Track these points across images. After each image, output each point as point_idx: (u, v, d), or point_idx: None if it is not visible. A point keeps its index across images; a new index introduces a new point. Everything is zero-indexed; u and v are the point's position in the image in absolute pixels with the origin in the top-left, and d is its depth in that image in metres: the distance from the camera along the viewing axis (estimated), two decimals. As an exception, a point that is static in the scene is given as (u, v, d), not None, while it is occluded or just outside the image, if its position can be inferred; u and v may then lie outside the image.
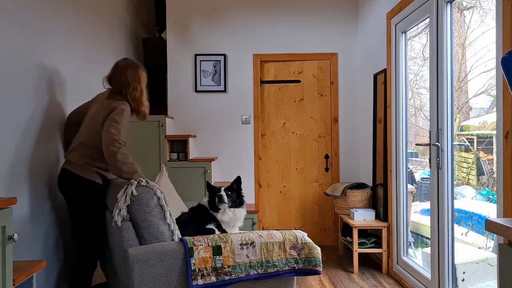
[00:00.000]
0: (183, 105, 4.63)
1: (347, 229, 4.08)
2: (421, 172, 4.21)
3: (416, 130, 4.30)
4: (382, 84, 3.88)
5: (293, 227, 4.69)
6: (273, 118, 4.75)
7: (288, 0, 4.67)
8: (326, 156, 4.73)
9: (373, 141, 4.16)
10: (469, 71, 3.52)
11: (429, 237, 3.06)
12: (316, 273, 2.37)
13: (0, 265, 1.53)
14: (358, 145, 4.68)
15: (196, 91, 4.64)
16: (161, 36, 4.95)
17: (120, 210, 2.20)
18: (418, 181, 4.15)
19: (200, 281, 2.16)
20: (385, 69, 3.79)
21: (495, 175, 3.00)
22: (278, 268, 2.30)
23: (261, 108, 4.72)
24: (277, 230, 2.49)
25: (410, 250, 3.60)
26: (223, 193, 2.78)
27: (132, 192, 2.21)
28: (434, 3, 2.92)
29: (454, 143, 2.88)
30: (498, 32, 2.20)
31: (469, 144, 3.52)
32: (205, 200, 2.99)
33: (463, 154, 3.56)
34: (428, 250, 3.18)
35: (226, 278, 2.21)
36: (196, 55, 4.62)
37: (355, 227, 3.74)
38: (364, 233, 4.04)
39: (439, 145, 2.86)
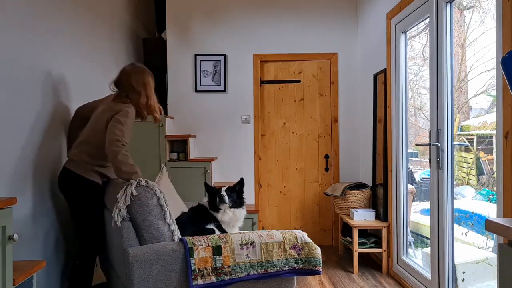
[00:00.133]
0: (183, 105, 4.63)
1: (347, 229, 4.08)
2: (421, 172, 4.21)
3: (416, 130, 4.30)
4: (382, 84, 3.88)
5: (293, 227, 4.69)
6: (273, 118, 4.75)
7: (288, 0, 4.67)
8: (326, 156, 4.73)
9: (373, 141, 4.16)
10: (469, 71, 3.52)
11: (429, 237, 3.06)
12: (316, 273, 2.37)
13: (0, 265, 1.53)
14: (358, 145, 4.68)
15: (196, 91, 4.64)
16: (161, 36, 4.95)
17: (119, 210, 2.20)
18: (418, 181, 4.16)
19: (200, 281, 2.16)
20: (385, 69, 3.79)
21: (495, 175, 3.00)
22: (278, 268, 2.30)
23: (261, 108, 4.72)
24: (277, 230, 2.49)
25: (410, 250, 3.60)
26: (224, 193, 2.79)
27: (132, 192, 2.21)
28: (434, 3, 2.92)
29: (454, 143, 2.88)
30: (498, 32, 2.20)
31: (469, 144, 3.52)
32: (205, 200, 2.99)
33: (463, 154, 3.56)
34: (428, 250, 3.18)
35: (226, 278, 2.21)
36: (196, 55, 4.62)
37: (355, 227, 3.74)
38: (364, 233, 4.04)
39: (439, 145, 2.86)
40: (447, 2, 2.82)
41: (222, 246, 2.25)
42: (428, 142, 3.01)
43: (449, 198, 2.81)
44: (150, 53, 4.79)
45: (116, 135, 2.42)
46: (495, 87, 2.31)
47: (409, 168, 3.70)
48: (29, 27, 2.42)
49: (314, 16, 4.67)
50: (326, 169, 4.73)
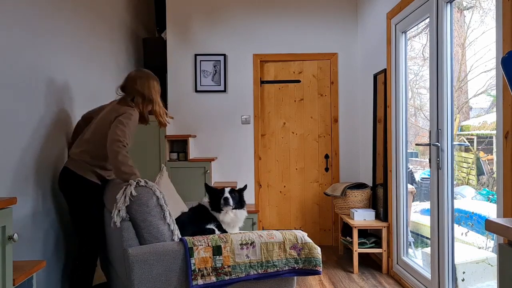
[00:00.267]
0: (183, 105, 4.63)
1: (347, 229, 4.08)
2: (421, 172, 4.21)
3: (416, 130, 4.30)
4: (382, 84, 3.88)
5: (293, 227, 4.69)
6: (273, 118, 4.75)
7: (288, 0, 4.67)
8: (326, 156, 4.73)
9: (373, 141, 4.16)
10: (469, 71, 3.52)
11: (429, 237, 3.06)
12: (316, 273, 2.37)
13: (0, 265, 1.53)
14: (358, 145, 4.68)
15: (196, 91, 4.64)
16: (161, 36, 4.95)
17: (119, 210, 2.20)
18: (418, 181, 4.16)
19: (200, 281, 2.16)
20: (385, 69, 3.79)
21: (495, 175, 3.00)
22: (278, 268, 2.30)
23: (261, 108, 4.72)
24: (277, 230, 2.49)
25: (410, 250, 3.60)
26: (228, 195, 2.82)
27: (131, 192, 2.21)
28: (434, 3, 2.92)
29: (454, 143, 2.88)
30: (498, 32, 2.20)
31: (469, 144, 3.52)
32: (205, 200, 2.99)
33: (463, 154, 3.56)
34: (428, 250, 3.18)
35: (226, 278, 2.21)
36: (196, 55, 4.62)
37: (355, 227, 3.74)
38: (364, 233, 4.04)
39: (439, 145, 2.86)
40: (447, 2, 2.82)
41: (222, 246, 2.25)
42: (428, 142, 3.01)
43: (449, 198, 2.81)
44: (150, 53, 4.79)
45: (117, 135, 2.44)
46: (495, 87, 2.31)
47: (409, 168, 3.70)
48: (29, 27, 2.42)
49: (314, 16, 4.67)
50: (326, 169, 4.73)
